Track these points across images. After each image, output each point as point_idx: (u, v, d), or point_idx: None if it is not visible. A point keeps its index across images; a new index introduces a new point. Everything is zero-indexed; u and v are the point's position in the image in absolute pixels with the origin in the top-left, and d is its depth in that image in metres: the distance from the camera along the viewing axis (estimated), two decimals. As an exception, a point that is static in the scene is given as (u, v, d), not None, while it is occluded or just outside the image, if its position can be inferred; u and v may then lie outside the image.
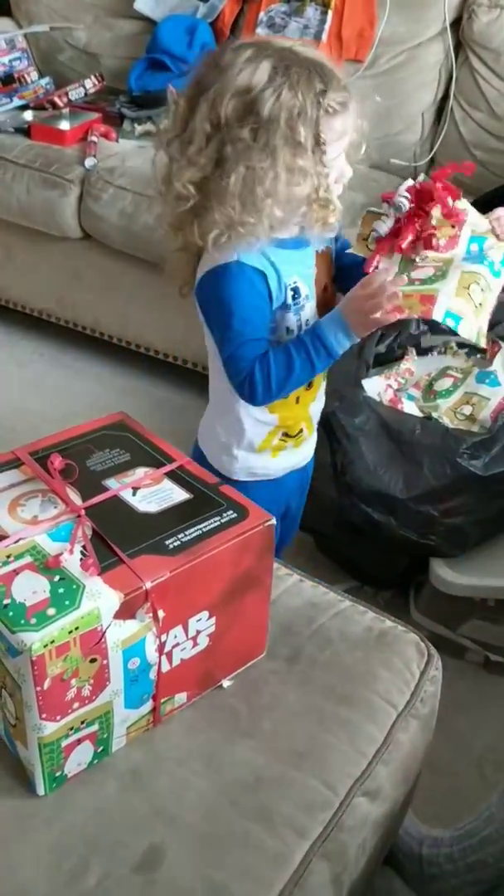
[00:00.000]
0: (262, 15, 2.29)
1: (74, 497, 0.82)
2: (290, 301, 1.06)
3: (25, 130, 2.19)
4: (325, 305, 1.10)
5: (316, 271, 1.09)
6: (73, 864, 0.71)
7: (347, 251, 1.14)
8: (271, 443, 1.15)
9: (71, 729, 0.73)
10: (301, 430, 1.17)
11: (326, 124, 0.99)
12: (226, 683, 0.87)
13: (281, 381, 1.03)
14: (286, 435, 1.16)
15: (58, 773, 0.75)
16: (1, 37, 2.37)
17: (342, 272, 1.15)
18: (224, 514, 0.81)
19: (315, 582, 1.02)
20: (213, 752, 0.81)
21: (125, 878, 0.70)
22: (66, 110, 2.25)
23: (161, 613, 0.75)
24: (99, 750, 0.77)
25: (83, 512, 0.79)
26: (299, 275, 1.07)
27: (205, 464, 1.11)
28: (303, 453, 1.22)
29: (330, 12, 2.21)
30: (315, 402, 1.17)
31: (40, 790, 0.75)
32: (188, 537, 0.78)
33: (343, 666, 0.91)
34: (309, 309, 1.09)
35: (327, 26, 2.22)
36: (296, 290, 1.06)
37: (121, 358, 2.25)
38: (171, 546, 0.77)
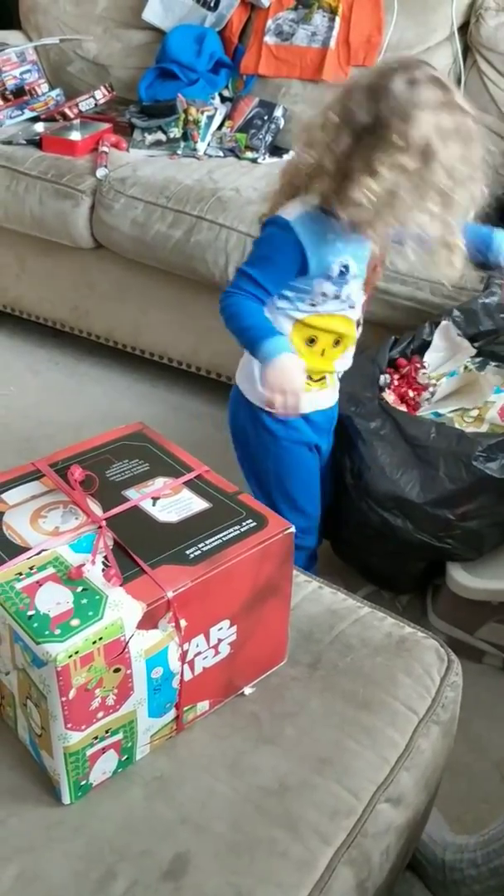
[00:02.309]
0: (269, 23, 2.30)
1: (95, 508, 0.83)
2: (335, 275, 1.21)
3: (37, 142, 2.21)
4: (368, 284, 1.26)
5: (371, 251, 1.23)
6: (101, 872, 0.71)
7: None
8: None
9: (95, 738, 0.74)
10: (324, 378, 1.32)
11: None
12: (247, 691, 0.88)
13: (231, 324, 1.21)
14: (310, 378, 1.28)
15: (83, 782, 0.76)
16: (11, 49, 2.39)
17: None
18: (243, 524, 0.82)
19: (334, 588, 1.03)
20: (237, 759, 0.81)
21: (153, 886, 0.71)
22: (76, 121, 2.27)
23: (183, 623, 0.75)
24: (123, 758, 0.78)
25: (104, 523, 0.80)
26: (353, 255, 1.21)
27: (243, 402, 1.34)
28: (328, 396, 1.36)
29: (338, 19, 2.22)
30: (340, 360, 1.32)
31: (66, 799, 0.76)
32: (208, 546, 0.79)
33: (364, 672, 0.91)
34: (354, 285, 1.24)
35: (335, 33, 2.23)
36: (346, 268, 1.21)
37: (135, 366, 2.27)
38: (192, 556, 0.78)
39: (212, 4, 2.34)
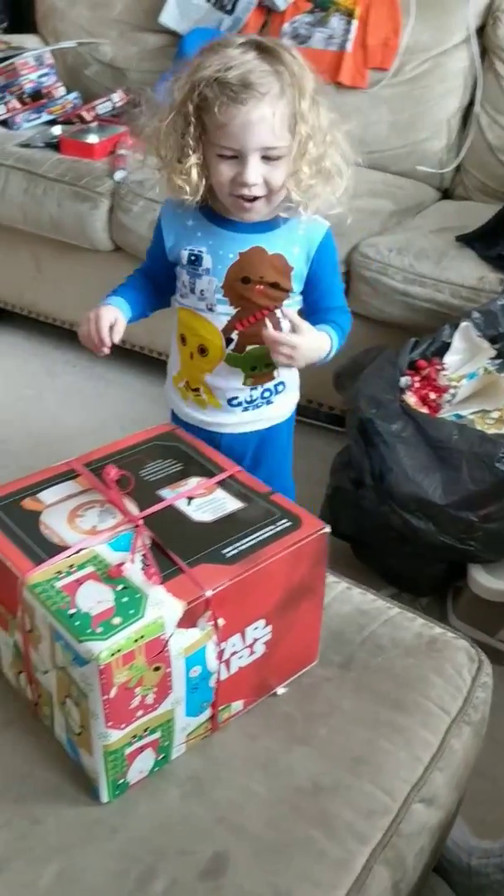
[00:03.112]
0: (286, 26, 2.31)
1: (131, 507, 0.83)
2: (184, 261, 1.18)
3: (55, 145, 2.22)
4: (238, 295, 1.18)
5: (240, 259, 1.16)
6: (140, 871, 0.71)
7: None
8: (178, 383, 1.29)
9: (134, 737, 0.74)
10: (199, 390, 1.26)
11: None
12: (280, 691, 0.88)
13: None
14: (186, 384, 1.27)
15: (120, 781, 0.76)
16: (29, 53, 2.40)
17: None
18: (278, 523, 0.82)
19: (363, 589, 1.03)
20: (271, 759, 0.81)
21: (192, 885, 0.71)
22: (94, 124, 2.28)
23: (221, 622, 0.75)
24: (160, 757, 0.78)
25: (141, 522, 0.80)
26: (209, 249, 1.16)
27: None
28: (209, 416, 1.27)
29: (355, 22, 2.23)
30: (210, 375, 1.23)
31: (104, 797, 0.76)
32: (245, 546, 0.79)
33: (395, 672, 0.91)
34: (206, 282, 1.18)
35: (352, 36, 2.23)
36: (196, 258, 1.17)
37: (150, 368, 2.27)
38: (229, 555, 0.78)
39: (228, 8, 2.35)
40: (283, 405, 1.30)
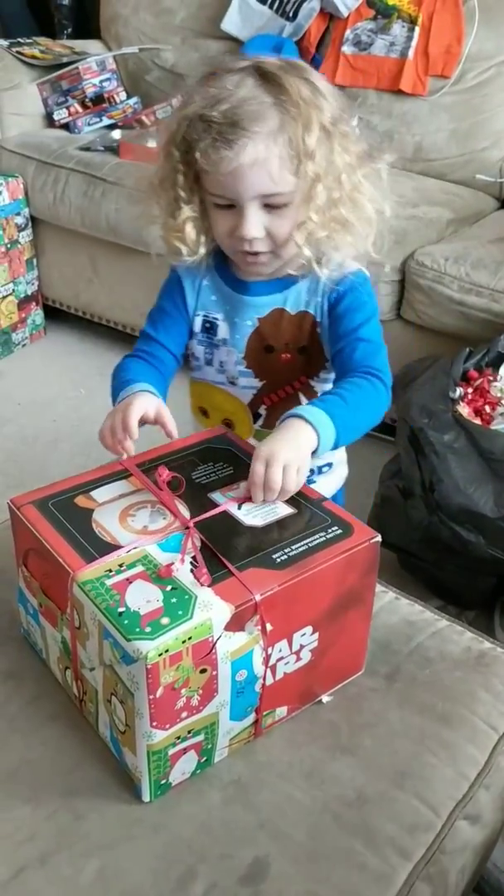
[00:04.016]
0: (348, 32, 2.30)
1: (182, 509, 0.83)
2: (197, 329, 1.03)
3: (114, 149, 2.25)
4: (263, 367, 1.02)
5: (259, 326, 1.00)
6: (180, 872, 0.71)
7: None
8: (199, 402, 1.13)
9: (178, 738, 0.74)
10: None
11: None
12: (325, 699, 0.87)
13: (111, 385, 1.05)
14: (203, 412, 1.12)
15: (163, 781, 0.76)
16: (92, 59, 2.44)
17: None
18: (329, 530, 0.82)
19: (411, 600, 1.02)
20: (315, 767, 0.81)
21: (232, 889, 0.70)
22: (153, 129, 2.31)
23: (268, 626, 0.75)
24: (202, 760, 0.78)
25: (192, 524, 0.80)
26: (225, 315, 1.01)
27: None
28: None
29: (417, 29, 2.22)
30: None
31: (146, 797, 0.76)
32: (295, 552, 0.78)
33: (443, 686, 0.90)
34: (225, 353, 1.03)
35: (414, 43, 2.22)
36: (212, 326, 1.02)
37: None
38: (279, 560, 0.77)
39: (290, 14, 2.36)
40: (327, 485, 1.12)
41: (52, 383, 2.33)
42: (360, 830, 0.76)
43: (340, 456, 1.15)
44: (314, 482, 1.07)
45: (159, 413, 0.93)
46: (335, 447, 0.90)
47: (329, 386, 1.04)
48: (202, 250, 0.98)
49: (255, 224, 0.90)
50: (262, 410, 1.07)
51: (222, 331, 1.03)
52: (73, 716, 0.85)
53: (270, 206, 0.90)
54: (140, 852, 0.73)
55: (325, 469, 1.13)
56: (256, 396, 1.06)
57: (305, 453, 0.85)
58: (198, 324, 1.04)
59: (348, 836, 0.75)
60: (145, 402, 0.93)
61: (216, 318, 1.02)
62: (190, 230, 0.95)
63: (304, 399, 1.03)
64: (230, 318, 1.02)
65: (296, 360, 1.02)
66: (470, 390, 1.57)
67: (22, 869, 0.72)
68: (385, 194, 0.97)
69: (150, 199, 0.97)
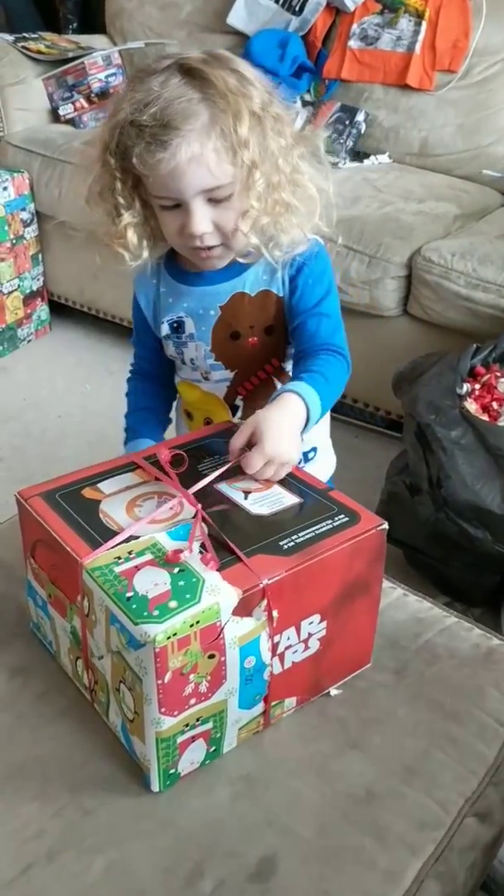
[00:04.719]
0: (354, 27, 2.30)
1: (189, 499, 0.83)
2: (168, 333, 1.05)
3: (120, 144, 2.24)
4: (231, 356, 1.03)
5: (223, 314, 1.00)
6: (188, 868, 0.71)
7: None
8: (183, 405, 1.16)
9: (187, 725, 0.74)
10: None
11: None
12: (333, 692, 0.87)
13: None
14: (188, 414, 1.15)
15: (171, 771, 0.76)
16: (98, 53, 2.43)
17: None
18: (336, 518, 0.82)
19: (419, 596, 1.01)
20: (324, 763, 0.80)
21: (240, 886, 0.70)
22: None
23: (276, 613, 0.75)
24: (211, 750, 0.78)
25: (199, 507, 0.80)
26: (187, 311, 1.02)
27: None
28: None
29: (424, 23, 2.21)
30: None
31: (155, 786, 0.76)
32: (302, 539, 0.79)
33: (451, 682, 0.89)
34: (193, 349, 1.04)
35: (421, 37, 2.21)
36: (179, 325, 1.03)
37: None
38: (286, 547, 0.77)
39: (296, 9, 2.35)
40: (315, 475, 1.09)
41: (57, 379, 2.33)
42: (369, 827, 0.76)
43: (325, 442, 1.15)
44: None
45: None
46: (309, 427, 0.92)
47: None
48: (145, 254, 0.99)
49: (203, 219, 0.91)
50: (239, 402, 1.07)
51: (189, 326, 1.03)
52: (81, 711, 0.84)
53: (214, 199, 0.91)
54: (148, 849, 0.73)
55: (310, 455, 1.13)
56: (231, 388, 1.06)
57: (299, 424, 0.89)
58: (165, 329, 1.05)
59: (357, 833, 0.75)
60: None
61: (181, 317, 1.03)
62: (132, 235, 0.96)
63: (278, 384, 1.02)
64: (194, 313, 1.02)
65: (263, 343, 1.03)
66: (477, 386, 1.57)
67: (29, 865, 0.72)
68: (325, 171, 0.97)
69: (93, 207, 0.97)
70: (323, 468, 1.15)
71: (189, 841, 0.73)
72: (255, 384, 1.05)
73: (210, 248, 0.95)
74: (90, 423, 2.12)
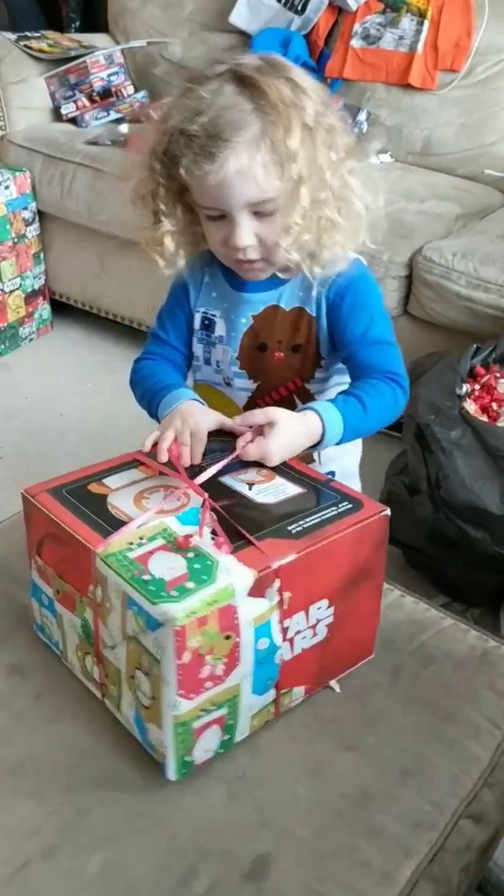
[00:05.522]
0: (356, 26, 2.29)
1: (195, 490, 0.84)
2: (197, 326, 1.04)
3: (122, 143, 2.25)
4: (256, 367, 1.02)
5: (254, 324, 1.00)
6: (183, 868, 0.71)
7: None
8: None
9: (202, 710, 0.75)
10: None
11: None
12: (336, 687, 0.87)
13: (136, 397, 1.06)
14: None
15: (187, 758, 0.77)
16: (100, 52, 2.43)
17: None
18: (340, 505, 0.83)
19: (416, 598, 1.01)
20: (319, 763, 0.81)
21: (234, 886, 0.71)
22: (161, 123, 2.30)
23: (287, 595, 0.76)
24: (225, 738, 0.79)
25: (206, 495, 0.81)
26: (222, 312, 1.01)
27: None
28: None
29: (426, 22, 2.21)
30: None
31: (171, 774, 0.77)
32: (309, 523, 0.80)
33: (446, 684, 0.90)
34: (221, 352, 1.03)
35: (423, 36, 2.21)
36: (210, 323, 1.02)
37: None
38: (294, 531, 0.79)
39: (299, 8, 2.35)
40: (343, 460, 1.10)
41: (58, 377, 2.34)
42: (363, 828, 0.76)
43: (350, 470, 1.13)
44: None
45: (223, 424, 0.94)
46: (322, 446, 0.93)
47: (326, 388, 1.04)
48: (180, 262, 0.98)
49: (247, 232, 0.90)
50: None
51: (219, 328, 1.03)
52: (78, 711, 0.85)
53: (259, 213, 0.90)
54: (144, 848, 0.73)
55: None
56: (251, 399, 1.06)
57: (299, 445, 0.90)
58: (197, 320, 1.04)
59: (352, 833, 0.75)
60: (209, 417, 0.93)
61: (214, 315, 1.03)
62: (168, 243, 0.95)
63: (298, 403, 1.02)
64: (227, 315, 1.02)
65: (288, 360, 1.02)
66: (477, 387, 1.57)
67: (26, 863, 0.72)
68: (375, 186, 0.95)
69: (136, 209, 0.97)
70: (350, 455, 1.13)
71: (184, 840, 0.74)
72: (275, 399, 1.05)
73: (252, 261, 0.94)
74: (91, 422, 2.13)
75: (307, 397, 1.04)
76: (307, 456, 0.98)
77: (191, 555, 0.75)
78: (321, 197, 0.91)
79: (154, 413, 1.01)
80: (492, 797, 0.83)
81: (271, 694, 0.81)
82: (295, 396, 1.04)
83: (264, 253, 0.93)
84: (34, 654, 0.91)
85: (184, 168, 0.87)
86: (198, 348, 1.06)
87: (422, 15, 2.22)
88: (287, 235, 0.91)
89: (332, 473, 1.10)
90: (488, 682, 0.91)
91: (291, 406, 1.00)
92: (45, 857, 0.73)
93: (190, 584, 0.71)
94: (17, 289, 2.38)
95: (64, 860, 0.73)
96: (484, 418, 1.51)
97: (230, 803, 0.77)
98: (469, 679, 0.91)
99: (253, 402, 1.06)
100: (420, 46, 2.21)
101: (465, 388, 1.55)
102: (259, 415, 0.88)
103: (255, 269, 0.97)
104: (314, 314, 1.00)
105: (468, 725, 0.86)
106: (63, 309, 2.56)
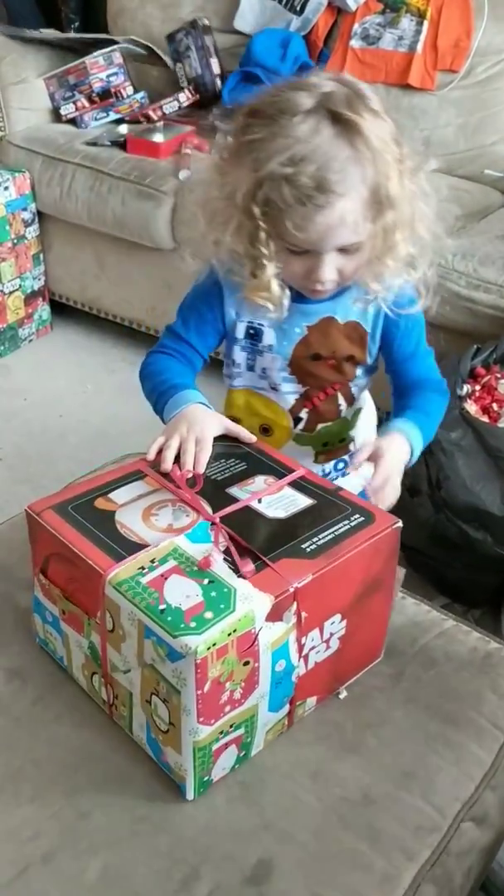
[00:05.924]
0: (356, 27, 2.29)
1: (203, 505, 0.83)
2: (241, 336, 1.02)
3: (121, 143, 2.24)
4: (307, 373, 1.02)
5: (309, 335, 1.00)
6: (184, 872, 0.71)
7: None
8: (230, 410, 1.11)
9: (221, 733, 0.74)
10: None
11: None
12: (342, 693, 0.87)
13: (144, 391, 1.04)
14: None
15: (205, 778, 0.76)
16: (99, 53, 2.43)
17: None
18: (352, 518, 0.82)
19: (417, 600, 1.01)
20: (320, 767, 0.80)
21: (236, 891, 0.70)
22: (160, 124, 2.30)
23: (304, 615, 0.76)
24: (241, 754, 0.78)
25: (217, 520, 0.80)
26: (271, 322, 1.00)
27: None
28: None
29: (426, 23, 2.20)
30: (280, 448, 1.04)
31: (190, 795, 0.76)
32: (323, 540, 0.79)
33: (448, 686, 0.89)
34: (269, 360, 1.02)
35: (423, 37, 2.21)
36: (256, 333, 1.01)
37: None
38: (309, 549, 0.78)
39: (298, 8, 2.34)
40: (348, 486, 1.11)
41: (58, 378, 2.33)
42: (365, 832, 0.76)
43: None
44: (347, 475, 1.11)
45: (228, 429, 0.95)
46: (413, 459, 0.97)
47: (362, 384, 1.07)
48: (285, 302, 0.96)
49: (332, 270, 0.91)
50: (304, 414, 1.07)
51: (268, 337, 1.01)
52: (78, 715, 0.85)
53: (346, 251, 0.90)
54: (144, 852, 0.73)
55: (339, 465, 1.13)
56: (298, 401, 1.06)
57: (405, 460, 0.95)
58: (241, 330, 1.02)
59: (354, 837, 0.75)
60: (214, 422, 0.94)
61: (261, 325, 1.01)
62: (276, 288, 0.94)
63: (341, 399, 1.04)
64: (278, 325, 1.00)
65: (340, 367, 1.04)
66: (477, 388, 1.56)
67: (26, 867, 0.72)
68: (433, 208, 0.94)
69: (222, 253, 0.94)
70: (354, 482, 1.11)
71: (185, 845, 0.73)
72: (321, 399, 1.06)
73: (329, 290, 0.95)
74: (91, 423, 2.13)
75: (348, 394, 1.07)
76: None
77: (206, 581, 0.74)
78: (406, 235, 0.91)
79: (160, 412, 1.00)
80: (494, 799, 0.83)
81: (286, 709, 0.80)
82: (339, 393, 1.07)
83: (342, 282, 0.94)
84: (34, 659, 0.90)
85: (288, 218, 0.86)
86: (240, 356, 1.05)
87: (421, 15, 2.21)
88: (371, 271, 0.93)
89: (345, 462, 1.12)
90: (490, 684, 0.90)
91: (335, 403, 1.05)
92: (45, 860, 0.73)
93: (208, 614, 0.70)
94: (16, 290, 2.38)
95: (64, 864, 0.72)
96: (485, 419, 1.51)
97: (231, 808, 0.77)
98: (471, 681, 0.91)
99: (301, 404, 1.06)
100: (419, 47, 2.21)
101: (466, 388, 1.55)
102: (362, 454, 0.91)
103: (326, 292, 0.97)
104: (369, 330, 1.01)
105: (470, 727, 0.86)
106: (63, 310, 2.56)
